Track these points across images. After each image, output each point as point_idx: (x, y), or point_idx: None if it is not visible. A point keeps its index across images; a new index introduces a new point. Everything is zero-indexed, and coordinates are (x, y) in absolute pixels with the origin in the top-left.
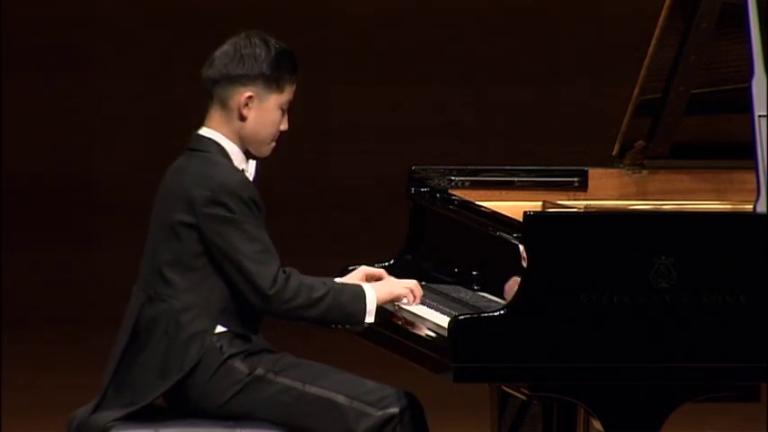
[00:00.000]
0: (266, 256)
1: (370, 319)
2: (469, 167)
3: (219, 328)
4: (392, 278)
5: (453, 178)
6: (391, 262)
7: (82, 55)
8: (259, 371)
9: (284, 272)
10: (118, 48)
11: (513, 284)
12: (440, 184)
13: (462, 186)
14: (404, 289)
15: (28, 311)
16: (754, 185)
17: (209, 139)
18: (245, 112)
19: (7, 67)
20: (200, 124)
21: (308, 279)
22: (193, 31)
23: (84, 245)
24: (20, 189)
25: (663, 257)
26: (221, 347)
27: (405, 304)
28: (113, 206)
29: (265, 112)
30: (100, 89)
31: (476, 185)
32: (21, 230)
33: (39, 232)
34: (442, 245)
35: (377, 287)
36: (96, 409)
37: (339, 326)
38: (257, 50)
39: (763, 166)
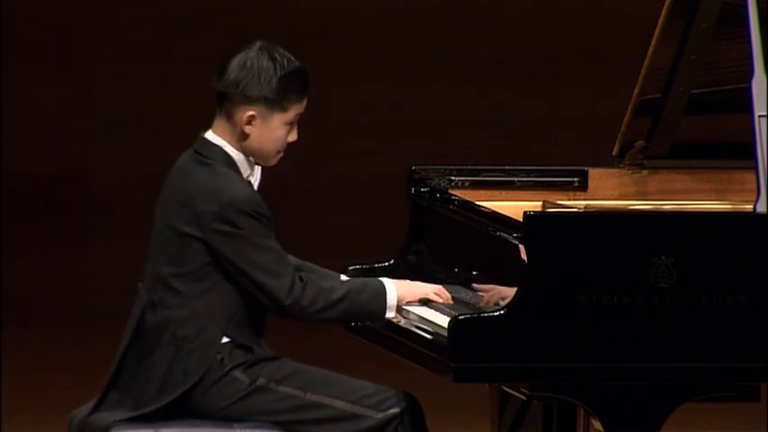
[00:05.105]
0: (279, 266)
1: (390, 314)
2: (469, 167)
3: (223, 339)
4: (418, 282)
5: (453, 178)
6: (391, 262)
7: (82, 55)
8: (260, 381)
9: (301, 279)
10: (118, 48)
11: (490, 295)
12: (440, 184)
13: (462, 186)
14: (426, 293)
15: (28, 311)
16: (754, 185)
17: (215, 145)
18: (247, 129)
19: (7, 67)
20: (201, 124)
21: (327, 282)
22: (193, 31)
23: (84, 245)
24: (20, 189)
25: (663, 257)
26: (222, 360)
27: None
28: (113, 206)
29: (268, 130)
30: (100, 89)
31: (476, 185)
32: (21, 230)
33: (39, 232)
34: (442, 245)
35: (399, 284)
36: (97, 408)
37: (360, 323)
38: (263, 71)
39: (763, 166)
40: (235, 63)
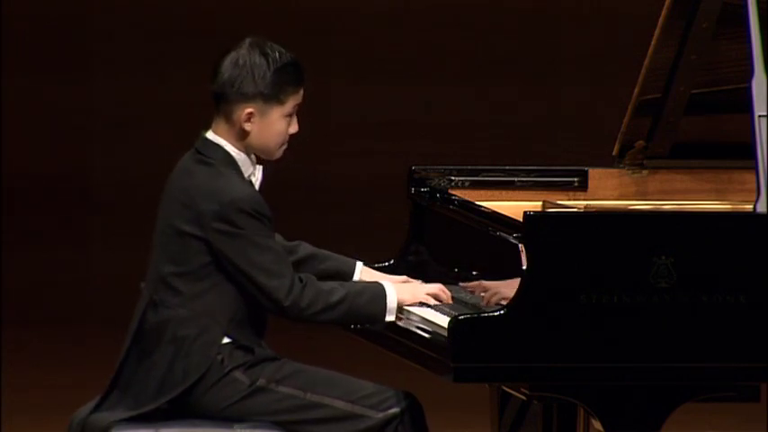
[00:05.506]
0: (279, 267)
1: (390, 317)
2: (469, 167)
3: (224, 339)
4: (417, 282)
5: (453, 178)
6: (391, 262)
7: (82, 55)
8: (260, 381)
9: (300, 280)
10: (118, 48)
11: (490, 295)
12: (440, 184)
13: (462, 186)
14: (426, 295)
15: (28, 311)
16: (754, 185)
17: (217, 145)
18: (246, 127)
19: (7, 66)
20: (200, 123)
21: (327, 284)
22: (194, 31)
23: (83, 245)
24: (20, 189)
25: (663, 257)
26: (222, 360)
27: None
28: (113, 206)
29: (268, 125)
30: (100, 89)
31: (476, 185)
32: (21, 230)
33: (39, 232)
34: (442, 245)
35: (400, 287)
36: (98, 407)
37: (360, 326)
38: (256, 67)
39: (763, 166)
40: (227, 62)
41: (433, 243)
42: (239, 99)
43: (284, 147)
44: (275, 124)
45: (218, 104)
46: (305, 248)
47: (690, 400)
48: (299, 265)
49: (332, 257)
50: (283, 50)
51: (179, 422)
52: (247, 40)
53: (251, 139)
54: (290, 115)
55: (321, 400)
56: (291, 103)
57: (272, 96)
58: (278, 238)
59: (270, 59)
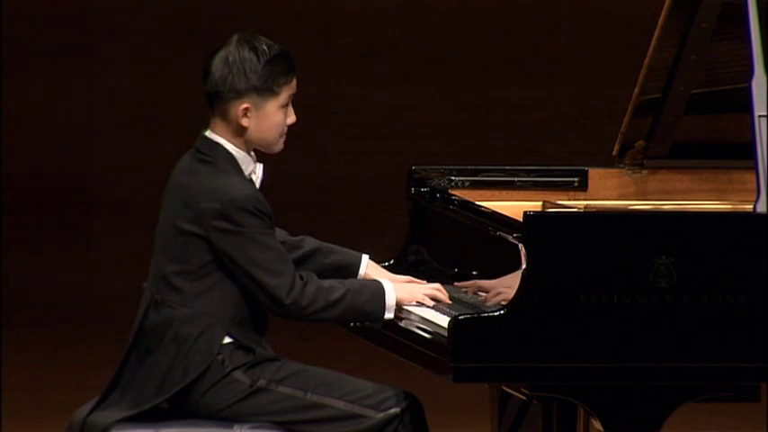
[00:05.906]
0: (280, 265)
1: (389, 315)
2: (469, 167)
3: (226, 339)
4: (416, 282)
5: (453, 178)
6: (391, 262)
7: (82, 55)
8: (261, 382)
9: (301, 278)
10: (118, 48)
11: (495, 293)
12: (440, 184)
13: (462, 186)
14: (423, 296)
15: (28, 311)
16: (754, 185)
17: (217, 143)
18: (244, 123)
19: (7, 66)
20: (200, 123)
21: (327, 282)
22: (194, 30)
23: (84, 245)
24: (20, 189)
25: (663, 257)
26: (223, 361)
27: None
28: (113, 206)
29: (265, 117)
30: (100, 89)
31: (476, 185)
32: (21, 230)
33: (39, 232)
34: (442, 245)
35: (398, 286)
36: (98, 406)
37: (359, 323)
38: (246, 63)
39: (763, 166)
40: (217, 61)
41: (433, 243)
42: (233, 96)
43: (283, 138)
44: (272, 116)
45: (213, 104)
46: (310, 243)
47: (690, 400)
48: (304, 259)
49: (337, 251)
50: (271, 42)
51: (179, 422)
52: (235, 37)
53: (250, 134)
54: (285, 106)
55: (321, 401)
56: (286, 94)
57: (266, 89)
58: (282, 233)
59: (259, 53)
